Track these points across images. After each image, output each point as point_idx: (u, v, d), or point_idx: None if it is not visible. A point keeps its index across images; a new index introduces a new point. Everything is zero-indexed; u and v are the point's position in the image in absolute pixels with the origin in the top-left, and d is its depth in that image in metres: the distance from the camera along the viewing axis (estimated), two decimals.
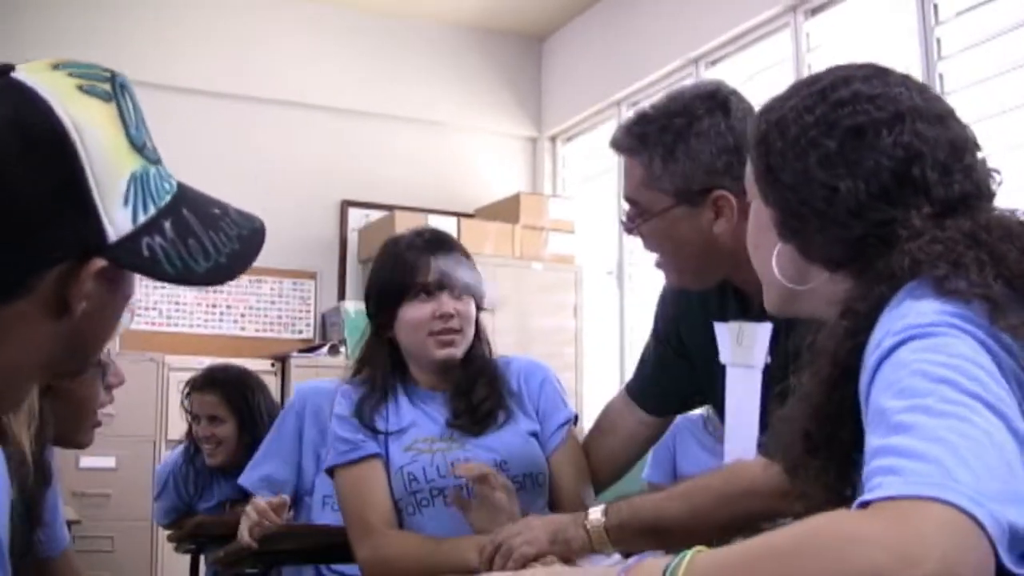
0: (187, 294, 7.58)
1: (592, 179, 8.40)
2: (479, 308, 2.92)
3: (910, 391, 1.24)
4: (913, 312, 1.35)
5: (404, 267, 2.82)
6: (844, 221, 1.55)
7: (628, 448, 2.96)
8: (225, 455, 4.55)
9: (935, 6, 5.53)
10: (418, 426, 2.81)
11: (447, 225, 7.43)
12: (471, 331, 2.87)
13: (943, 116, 1.58)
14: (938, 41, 5.49)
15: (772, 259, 1.67)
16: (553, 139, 8.81)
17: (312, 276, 7.95)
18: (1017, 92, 4.96)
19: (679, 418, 4.46)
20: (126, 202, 1.30)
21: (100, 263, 1.28)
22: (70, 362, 1.40)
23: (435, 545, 2.61)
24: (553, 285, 7.74)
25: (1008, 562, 1.11)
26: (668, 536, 2.33)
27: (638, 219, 2.48)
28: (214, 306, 7.68)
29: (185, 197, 1.41)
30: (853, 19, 6.21)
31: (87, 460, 6.40)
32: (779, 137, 1.62)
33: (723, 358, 2.56)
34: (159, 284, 7.40)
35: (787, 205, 1.62)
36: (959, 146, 1.56)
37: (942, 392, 1.22)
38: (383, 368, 2.87)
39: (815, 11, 6.41)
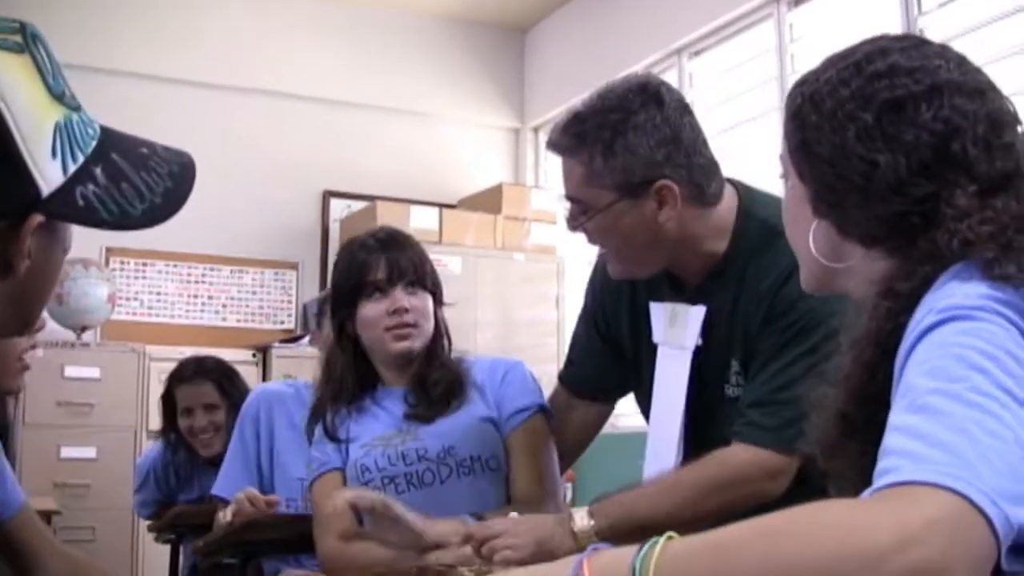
0: (168, 285, 7.56)
1: None
2: (438, 303, 2.93)
3: (943, 373, 1.21)
4: (960, 293, 1.31)
5: (358, 266, 2.85)
6: (884, 196, 1.50)
7: (578, 437, 2.99)
8: (222, 444, 4.52)
9: None
10: (377, 423, 2.85)
11: (429, 215, 7.43)
12: (428, 325, 2.88)
13: (983, 89, 1.54)
14: (921, 32, 5.49)
15: (808, 236, 1.63)
16: (536, 130, 8.80)
17: (294, 267, 7.93)
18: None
19: None
20: (54, 154, 1.29)
21: (38, 219, 1.28)
22: (15, 318, 1.39)
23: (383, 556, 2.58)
24: (535, 276, 7.73)
25: (1005, 561, 1.10)
26: (663, 532, 2.31)
27: (582, 216, 2.49)
28: (195, 296, 7.66)
29: (111, 140, 1.39)
30: (836, 9, 6.21)
31: (67, 451, 6.38)
32: (814, 110, 1.57)
33: (656, 337, 2.58)
34: (140, 274, 7.39)
35: (823, 180, 1.57)
36: (999, 121, 1.51)
37: (976, 381, 1.19)
38: (348, 374, 2.90)
39: (798, 1, 6.41)
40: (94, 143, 1.36)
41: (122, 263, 7.42)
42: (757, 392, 2.40)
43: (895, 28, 5.53)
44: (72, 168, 1.31)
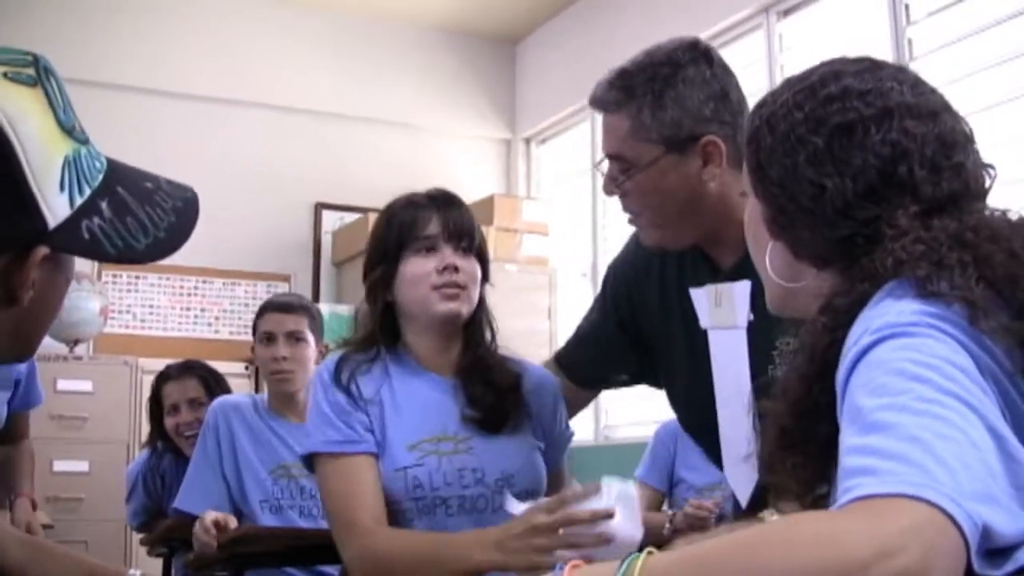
0: (160, 298, 7.56)
1: (566, 181, 8.40)
2: (485, 280, 2.74)
3: (886, 389, 1.23)
4: (893, 311, 1.33)
5: (405, 220, 2.65)
6: (831, 219, 1.52)
7: None
8: None
9: (906, 7, 5.55)
10: (421, 414, 2.61)
11: None
12: (475, 293, 2.68)
13: (936, 111, 1.55)
14: (909, 42, 5.51)
15: (765, 256, 1.65)
16: (527, 141, 8.81)
17: (286, 279, 7.92)
18: (988, 92, 4.98)
19: (674, 427, 4.46)
20: (62, 187, 1.30)
21: (43, 251, 1.28)
22: (17, 347, 1.40)
23: (434, 543, 2.45)
24: (527, 287, 7.72)
25: (976, 563, 1.11)
26: None
27: (622, 176, 2.45)
28: (188, 309, 7.66)
29: (117, 173, 1.40)
30: (826, 20, 6.23)
31: (60, 464, 6.37)
32: (769, 133, 1.59)
33: (703, 323, 2.53)
34: (132, 287, 7.40)
35: (776, 202, 1.59)
36: (949, 143, 1.53)
37: (919, 390, 1.20)
38: (379, 331, 2.67)
39: (788, 12, 6.43)
40: (100, 176, 1.37)
41: (114, 276, 7.42)
42: None
43: (884, 38, 5.55)
44: (79, 201, 1.32)
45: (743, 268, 2.43)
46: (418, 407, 2.61)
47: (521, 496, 2.50)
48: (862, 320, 1.37)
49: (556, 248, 7.92)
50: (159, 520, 4.66)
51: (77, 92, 1.43)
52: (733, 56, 6.74)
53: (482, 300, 2.74)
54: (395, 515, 2.53)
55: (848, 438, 1.22)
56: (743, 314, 2.45)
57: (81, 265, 6.20)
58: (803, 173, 1.54)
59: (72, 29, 7.21)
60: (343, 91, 8.20)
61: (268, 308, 4.35)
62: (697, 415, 2.62)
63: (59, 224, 1.29)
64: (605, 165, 2.52)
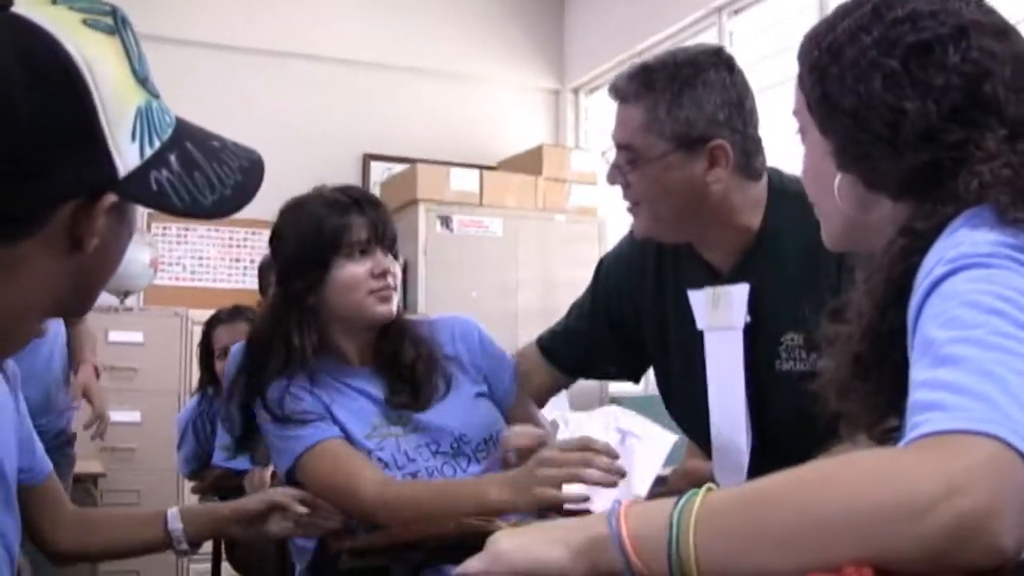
0: (210, 249, 7.59)
1: None
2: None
3: (959, 322, 1.19)
4: (968, 241, 1.28)
5: (337, 225, 2.64)
6: (913, 144, 1.44)
7: (540, 397, 2.98)
8: None
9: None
10: (361, 409, 2.68)
11: (470, 177, 7.43)
12: (398, 294, 2.74)
13: (1006, 29, 1.49)
14: None
15: (833, 190, 1.57)
16: (575, 91, 8.78)
17: None
18: None
19: None
20: (133, 137, 1.30)
21: (112, 198, 1.28)
22: (77, 299, 1.40)
23: (448, 483, 2.56)
24: (576, 237, 7.72)
25: None
26: None
27: (628, 166, 2.49)
28: (237, 260, 7.69)
29: (185, 130, 1.40)
30: None
31: (112, 415, 6.40)
32: (833, 61, 1.52)
33: (699, 324, 2.57)
34: (182, 239, 7.43)
35: (847, 132, 1.51)
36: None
37: (994, 323, 1.17)
38: (306, 340, 2.65)
39: None
40: (170, 131, 1.37)
41: (164, 228, 7.46)
42: None
43: None
44: (149, 153, 1.32)
45: (742, 271, 2.51)
46: (353, 401, 2.68)
47: (481, 447, 2.66)
48: (936, 250, 1.32)
49: (605, 198, 7.89)
50: (210, 467, 4.70)
51: None
52: (783, 3, 6.71)
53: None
54: None
55: (918, 371, 1.19)
56: (740, 315, 2.48)
57: None
58: (879, 98, 1.46)
59: None
60: (390, 41, 8.18)
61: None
62: (691, 416, 2.67)
63: (129, 173, 1.29)
64: (611, 154, 2.54)
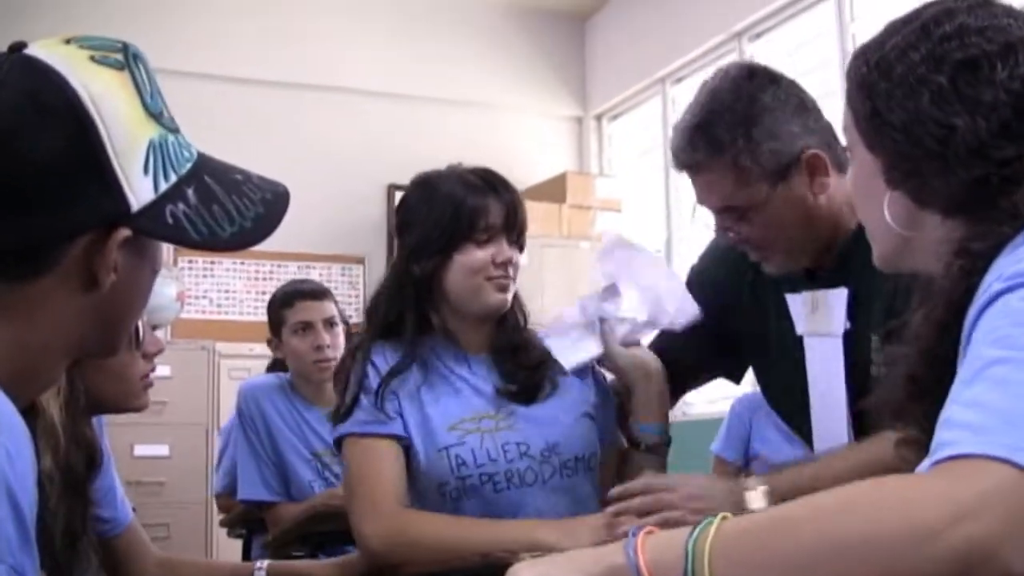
0: (236, 282, 7.62)
1: (639, 157, 8.38)
2: None
3: (1009, 341, 1.18)
4: None
5: (474, 207, 2.58)
6: (964, 161, 1.43)
7: None
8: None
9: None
10: (459, 397, 2.57)
11: None
12: (517, 281, 2.67)
13: None
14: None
15: (883, 208, 1.55)
16: (599, 118, 8.79)
17: (360, 261, 7.96)
18: None
19: (755, 397, 4.45)
20: (146, 170, 1.31)
21: (125, 232, 1.29)
22: (102, 338, 1.40)
23: (479, 523, 2.42)
24: None
25: None
26: None
27: (739, 224, 2.41)
28: (263, 293, 7.69)
29: (206, 165, 1.41)
30: None
31: (141, 448, 6.45)
32: (883, 77, 1.51)
33: (799, 329, 2.50)
34: (208, 272, 7.46)
35: (897, 149, 1.50)
36: None
37: None
38: (410, 315, 2.58)
39: None
40: (189, 166, 1.38)
41: (190, 262, 7.49)
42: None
43: None
44: (164, 187, 1.33)
45: (839, 274, 2.43)
46: (455, 389, 2.58)
47: (571, 464, 2.55)
48: (997, 266, 1.31)
49: (630, 224, 7.89)
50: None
51: None
52: (803, 27, 6.72)
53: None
54: (440, 497, 2.49)
55: (959, 385, 1.19)
56: (840, 322, 2.42)
57: None
58: (929, 114, 1.45)
59: (139, 17, 7.26)
60: (413, 72, 8.21)
61: (297, 297, 4.20)
62: (798, 418, 2.60)
63: (142, 207, 1.30)
64: (707, 214, 2.47)
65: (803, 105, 2.39)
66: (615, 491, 2.31)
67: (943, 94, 1.44)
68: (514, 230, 2.63)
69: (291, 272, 7.73)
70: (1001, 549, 1.04)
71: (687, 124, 2.41)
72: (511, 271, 2.60)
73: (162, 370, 6.55)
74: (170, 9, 7.50)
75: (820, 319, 2.46)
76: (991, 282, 1.28)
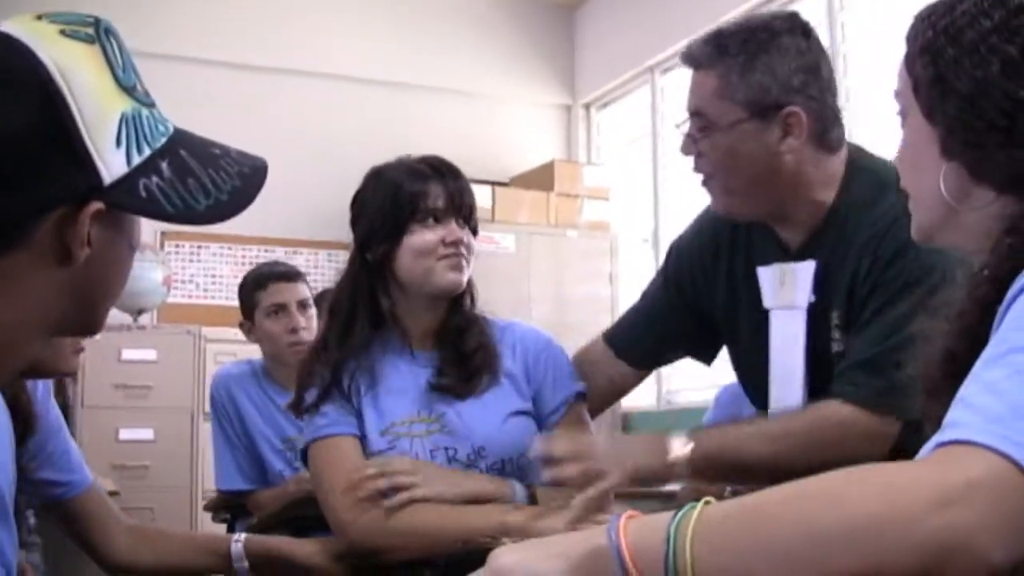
0: (223, 267, 7.61)
1: (627, 146, 8.39)
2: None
3: None
4: None
5: (414, 191, 2.61)
6: None
7: (603, 399, 2.91)
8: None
9: None
10: (397, 398, 2.59)
11: (482, 193, 7.43)
12: (471, 262, 2.66)
13: None
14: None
15: (938, 178, 1.49)
16: (587, 106, 8.78)
17: (346, 247, 7.88)
18: None
19: (738, 388, 4.48)
20: (119, 143, 1.30)
21: (97, 205, 1.28)
22: (80, 315, 1.38)
23: (455, 509, 2.45)
24: (588, 253, 7.73)
25: None
26: (748, 475, 2.31)
27: (701, 134, 2.43)
28: None
29: (183, 139, 1.40)
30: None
31: (126, 432, 6.44)
32: (951, 43, 1.44)
33: (766, 302, 2.52)
34: (195, 257, 7.45)
35: (960, 118, 1.44)
36: None
37: None
38: (361, 310, 2.64)
39: None
40: (164, 140, 1.37)
41: (177, 246, 7.48)
42: (863, 351, 2.33)
43: None
44: (137, 160, 1.32)
45: (810, 248, 2.46)
46: (395, 389, 2.61)
47: (496, 467, 2.57)
48: None
49: (617, 213, 7.90)
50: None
51: (139, 64, 1.43)
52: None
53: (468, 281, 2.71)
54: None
55: (981, 363, 1.18)
56: (804, 295, 2.44)
57: (144, 235, 6.19)
58: (997, 85, 1.40)
59: (128, 1, 7.24)
60: (403, 59, 8.20)
61: (271, 279, 4.19)
62: (759, 393, 2.61)
63: (115, 181, 1.30)
64: (686, 125, 2.49)
65: (815, 71, 2.41)
66: (539, 451, 2.37)
67: (1014, 65, 1.40)
68: (461, 213, 2.63)
69: (278, 257, 7.71)
70: (978, 538, 1.04)
71: (714, 29, 2.47)
72: (464, 251, 2.61)
73: (147, 354, 6.59)
74: None
75: (787, 292, 2.49)
76: None
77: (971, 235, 1.46)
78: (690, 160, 2.51)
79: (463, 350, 2.63)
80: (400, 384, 2.61)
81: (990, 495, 1.05)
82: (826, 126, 2.41)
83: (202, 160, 1.40)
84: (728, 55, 2.39)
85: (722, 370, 3.00)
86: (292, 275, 4.23)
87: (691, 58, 2.47)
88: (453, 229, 2.59)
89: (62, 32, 1.30)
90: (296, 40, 7.87)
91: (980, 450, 1.08)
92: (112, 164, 1.29)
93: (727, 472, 2.37)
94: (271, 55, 7.81)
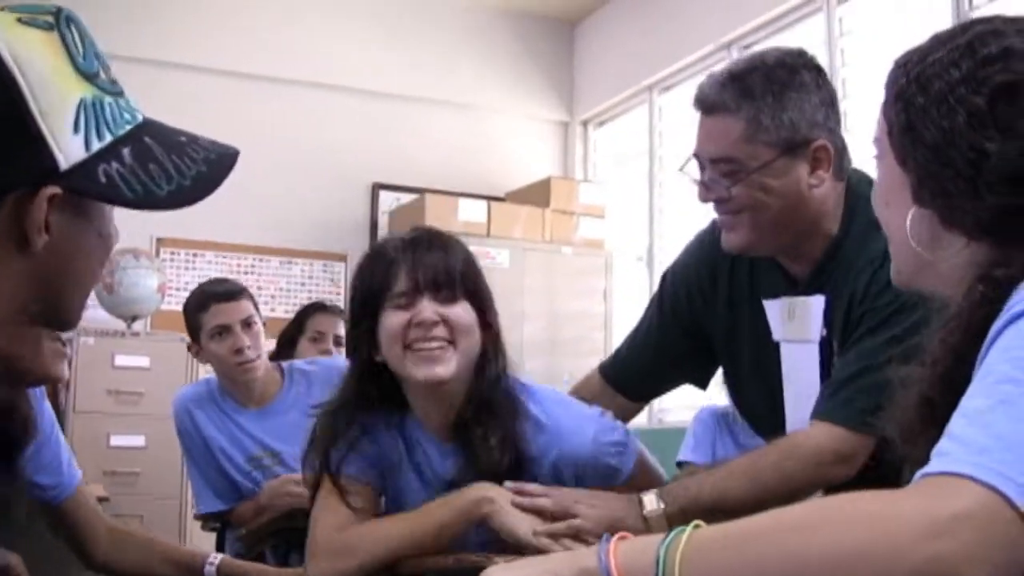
0: (218, 275, 7.59)
1: (623, 164, 8.40)
2: (486, 318, 2.38)
3: (1022, 362, 1.18)
4: None
5: (377, 275, 2.34)
6: (995, 187, 1.38)
7: None
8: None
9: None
10: (414, 482, 2.42)
11: (477, 208, 7.45)
12: (468, 343, 2.32)
13: None
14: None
15: (906, 223, 1.50)
16: (585, 124, 8.79)
17: (342, 258, 7.95)
18: None
19: (718, 409, 4.50)
20: (76, 129, 1.29)
21: (53, 189, 1.26)
22: (49, 306, 1.35)
23: (415, 514, 2.32)
24: (583, 270, 7.73)
25: None
26: (731, 516, 2.28)
27: (727, 179, 2.40)
28: (246, 287, 7.69)
29: (150, 127, 1.39)
30: (886, 3, 6.20)
31: (117, 439, 6.43)
32: (920, 92, 1.46)
33: (775, 335, 2.52)
34: (190, 265, 7.44)
35: (928, 167, 1.45)
36: None
37: None
38: (374, 397, 2.39)
39: None
40: (129, 127, 1.36)
41: (172, 253, 7.48)
42: (841, 373, 2.35)
43: (946, 23, 5.50)
44: (97, 146, 1.30)
45: (818, 280, 2.46)
46: (409, 472, 2.43)
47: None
48: (1022, 290, 1.29)
49: (612, 231, 7.91)
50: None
51: (130, 70, 1.43)
52: (792, 40, 6.73)
53: (495, 334, 2.40)
54: None
55: (968, 396, 1.19)
56: (817, 328, 2.44)
57: (139, 242, 6.21)
58: (963, 135, 1.41)
59: (126, 8, 7.25)
60: (402, 72, 8.21)
61: (211, 300, 4.10)
62: (769, 425, 2.59)
63: (73, 166, 1.28)
64: (693, 169, 2.46)
65: (833, 103, 2.43)
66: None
67: (979, 116, 1.40)
68: (435, 289, 2.31)
69: (273, 266, 7.73)
70: (964, 569, 1.04)
71: (725, 69, 2.45)
72: (439, 332, 2.30)
73: (140, 361, 6.58)
74: (161, 2, 7.48)
75: (797, 326, 2.48)
76: (1016, 302, 1.26)
77: (946, 281, 1.47)
78: (685, 180, 2.50)
79: (474, 442, 2.33)
80: (424, 471, 2.42)
81: (976, 527, 1.05)
82: (842, 156, 2.43)
83: (167, 147, 1.38)
84: (754, 97, 2.37)
85: (712, 390, 3.00)
86: (233, 293, 4.13)
87: (710, 104, 2.42)
88: (422, 308, 2.28)
89: (19, 20, 1.29)
90: (295, 50, 7.88)
91: (966, 481, 1.08)
92: (69, 149, 1.28)
93: (708, 518, 2.36)
94: (270, 65, 7.82)
